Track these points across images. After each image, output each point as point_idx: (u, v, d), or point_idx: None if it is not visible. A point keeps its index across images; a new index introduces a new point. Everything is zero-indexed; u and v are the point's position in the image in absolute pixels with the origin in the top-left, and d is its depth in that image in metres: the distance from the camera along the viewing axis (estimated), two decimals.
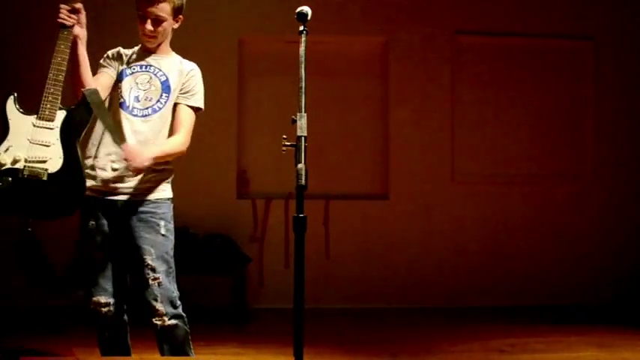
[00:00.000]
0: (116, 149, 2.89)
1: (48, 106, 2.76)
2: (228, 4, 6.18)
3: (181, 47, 6.42)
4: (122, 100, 2.97)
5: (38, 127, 2.76)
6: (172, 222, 3.09)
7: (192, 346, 3.09)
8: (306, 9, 2.74)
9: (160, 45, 3.07)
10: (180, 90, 3.05)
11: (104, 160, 2.95)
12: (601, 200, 6.49)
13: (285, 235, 6.02)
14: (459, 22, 6.41)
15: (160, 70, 3.04)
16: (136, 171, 2.86)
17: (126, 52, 3.08)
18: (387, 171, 6.31)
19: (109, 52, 3.07)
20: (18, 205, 2.76)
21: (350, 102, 6.33)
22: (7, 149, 2.73)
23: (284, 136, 2.75)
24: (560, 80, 6.57)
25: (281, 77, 5.98)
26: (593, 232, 6.44)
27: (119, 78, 2.99)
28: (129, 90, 2.98)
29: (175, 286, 3.03)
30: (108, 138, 2.92)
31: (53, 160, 2.76)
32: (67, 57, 2.80)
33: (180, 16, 3.07)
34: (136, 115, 2.97)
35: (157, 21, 2.97)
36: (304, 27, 2.71)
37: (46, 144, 2.76)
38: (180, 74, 3.06)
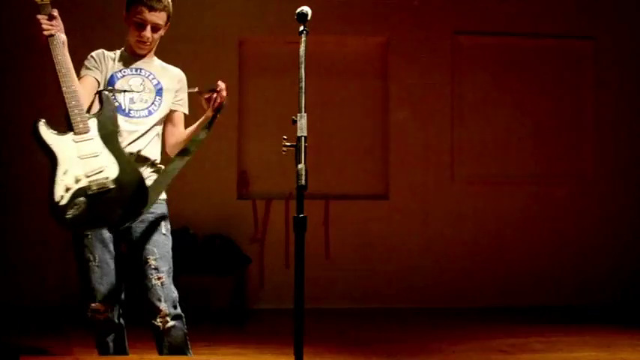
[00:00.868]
0: None
1: (78, 119, 2.76)
2: (228, 5, 6.17)
3: (181, 48, 6.44)
4: (118, 103, 2.96)
5: (79, 142, 2.76)
6: (169, 222, 3.07)
7: (190, 346, 3.08)
8: (306, 9, 2.75)
9: (150, 51, 3.09)
10: (175, 97, 3.09)
11: None
12: (601, 201, 6.49)
13: (285, 235, 6.02)
14: (458, 22, 6.41)
15: (151, 74, 3.06)
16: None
17: (111, 55, 3.05)
18: (387, 171, 6.31)
19: (94, 55, 3.03)
20: (100, 220, 2.81)
21: (350, 102, 6.33)
22: (64, 172, 2.74)
23: (284, 137, 2.75)
24: (561, 81, 6.57)
25: (281, 77, 5.98)
26: (593, 232, 6.44)
27: (110, 82, 2.98)
28: (123, 93, 2.98)
29: (174, 287, 3.02)
30: None
31: (109, 167, 2.77)
32: (69, 64, 2.81)
33: (169, 23, 3.09)
34: (132, 117, 2.98)
35: (155, 28, 2.99)
36: (304, 27, 2.71)
37: (95, 155, 2.77)
38: (171, 79, 3.10)
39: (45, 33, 2.75)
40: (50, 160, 2.76)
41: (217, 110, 2.97)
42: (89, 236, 2.94)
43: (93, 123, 2.81)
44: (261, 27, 6.14)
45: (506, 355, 4.51)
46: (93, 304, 2.94)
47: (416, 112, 6.34)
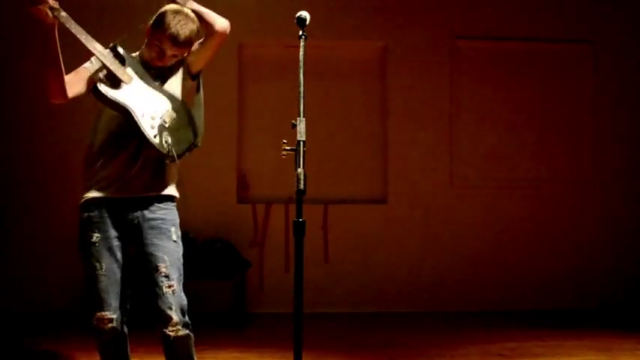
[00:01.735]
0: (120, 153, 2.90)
1: (120, 71, 2.90)
2: (227, 9, 6.09)
3: None
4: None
5: (133, 88, 2.92)
6: (179, 228, 3.03)
7: (194, 352, 3.06)
8: (305, 14, 2.76)
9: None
10: (189, 60, 3.06)
11: (110, 162, 2.94)
12: (600, 204, 6.49)
13: (285, 239, 6.02)
14: (457, 26, 6.42)
15: (159, 83, 3.01)
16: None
17: (124, 54, 3.02)
18: (386, 175, 6.32)
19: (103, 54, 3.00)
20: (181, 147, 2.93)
21: (349, 106, 6.34)
22: (143, 116, 2.86)
23: (284, 141, 2.75)
24: (559, 84, 6.58)
25: (281, 81, 6.00)
26: (593, 235, 6.44)
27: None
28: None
29: (184, 294, 2.99)
30: (112, 140, 2.93)
31: (162, 101, 2.94)
32: (82, 31, 2.86)
33: (200, 36, 3.09)
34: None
35: (175, 57, 2.97)
36: (303, 31, 2.72)
37: (148, 95, 2.94)
38: (178, 72, 3.05)
39: (49, 9, 2.71)
40: (123, 112, 2.85)
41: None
42: (97, 244, 2.94)
43: (130, 71, 2.89)
44: (261, 31, 6.14)
45: (506, 359, 4.51)
46: (98, 313, 2.91)
47: (415, 116, 6.35)
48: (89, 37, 2.84)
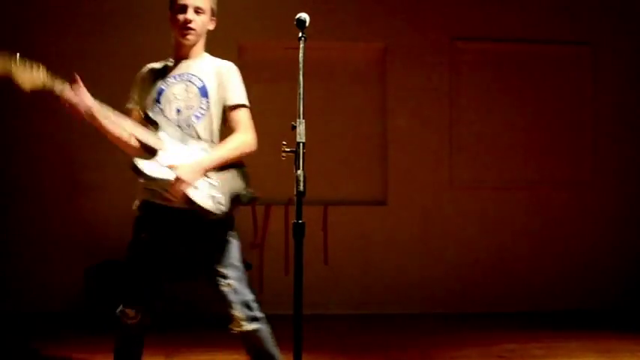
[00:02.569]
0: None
1: (152, 141, 2.88)
2: (227, 10, 6.11)
3: None
4: (165, 118, 2.94)
5: (169, 154, 2.91)
6: (234, 225, 3.04)
7: (275, 344, 3.05)
8: (305, 16, 2.75)
9: (194, 47, 3.04)
10: (220, 92, 3.02)
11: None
12: (599, 205, 6.49)
13: (284, 241, 6.02)
14: (456, 28, 6.42)
15: (195, 75, 3.00)
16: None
17: (155, 67, 3.06)
18: (386, 177, 6.31)
19: (134, 82, 3.06)
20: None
21: (348, 108, 6.33)
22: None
23: (283, 142, 2.75)
24: (558, 86, 6.58)
25: (280, 83, 5.99)
26: (592, 237, 6.44)
27: (157, 97, 2.96)
28: (169, 105, 2.95)
29: (249, 289, 2.99)
30: (169, 143, 2.90)
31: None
32: (111, 116, 2.84)
33: (214, 18, 3.07)
34: (181, 127, 2.93)
35: (198, 12, 2.96)
36: (303, 33, 2.72)
37: (184, 156, 2.93)
38: (217, 76, 3.03)
39: (81, 110, 2.76)
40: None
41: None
42: (144, 244, 2.93)
43: (163, 135, 2.87)
44: (260, 32, 6.14)
45: None
46: (124, 307, 2.93)
47: (414, 117, 6.35)
48: (118, 116, 2.84)
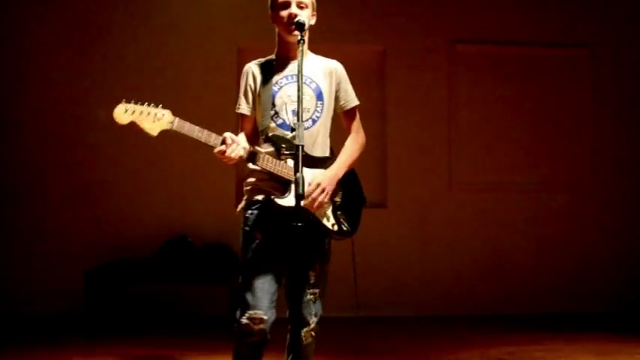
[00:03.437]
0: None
1: (285, 171, 2.83)
2: (227, 13, 6.20)
3: (182, 54, 6.46)
4: (281, 120, 2.86)
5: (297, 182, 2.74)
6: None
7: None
8: (304, 18, 2.75)
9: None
10: (336, 96, 3.00)
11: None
12: (598, 207, 6.50)
13: None
14: (455, 31, 6.43)
15: (307, 77, 2.92)
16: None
17: (261, 66, 2.97)
18: (385, 179, 6.32)
19: (245, 84, 2.95)
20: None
21: None
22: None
23: (282, 145, 2.75)
24: (557, 88, 6.59)
25: None
26: (591, 239, 6.44)
27: (271, 100, 2.87)
28: (284, 107, 2.87)
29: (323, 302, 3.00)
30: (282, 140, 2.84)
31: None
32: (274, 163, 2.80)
33: (315, 13, 2.96)
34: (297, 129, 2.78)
35: (301, 6, 2.87)
36: (301, 36, 2.71)
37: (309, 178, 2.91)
38: (330, 77, 2.99)
39: (233, 158, 2.71)
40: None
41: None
42: (260, 242, 2.86)
43: (290, 163, 2.80)
44: (260, 34, 6.13)
45: None
46: (251, 312, 2.79)
47: (413, 120, 6.35)
48: (268, 160, 2.79)
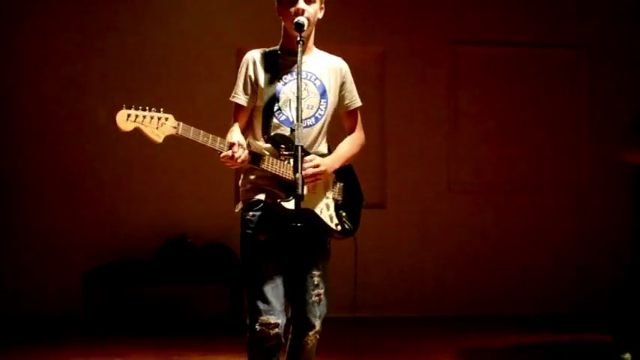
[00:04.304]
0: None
1: (292, 179, 2.72)
2: (226, 15, 6.19)
3: (181, 56, 6.46)
4: (284, 117, 2.82)
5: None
6: None
7: None
8: (303, 19, 2.75)
9: (307, 39, 2.86)
10: (341, 94, 2.98)
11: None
12: (598, 209, 6.48)
13: None
14: (455, 32, 6.43)
15: (312, 74, 2.89)
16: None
17: (264, 58, 2.89)
18: (384, 180, 6.31)
19: (244, 74, 2.90)
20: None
21: None
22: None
23: (282, 146, 2.75)
24: (556, 89, 6.58)
25: None
26: (591, 241, 6.42)
27: (276, 95, 2.81)
28: (288, 104, 2.82)
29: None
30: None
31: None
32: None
33: (323, 6, 2.89)
34: (302, 127, 2.72)
35: (309, 1, 2.79)
36: (301, 37, 2.71)
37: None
38: (335, 75, 2.95)
39: (239, 163, 2.69)
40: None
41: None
42: (265, 245, 2.80)
43: (292, 163, 2.72)
44: (259, 36, 6.12)
45: None
46: (263, 317, 2.74)
47: (413, 121, 6.35)
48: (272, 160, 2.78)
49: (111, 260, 5.67)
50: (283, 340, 2.81)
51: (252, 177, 2.87)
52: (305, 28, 2.73)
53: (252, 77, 2.87)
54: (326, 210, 2.88)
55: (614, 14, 6.58)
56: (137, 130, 2.59)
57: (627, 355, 4.19)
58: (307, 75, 2.88)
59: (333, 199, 2.91)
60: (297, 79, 2.62)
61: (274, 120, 2.81)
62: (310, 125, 2.86)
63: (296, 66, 2.70)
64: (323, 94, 2.90)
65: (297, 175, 2.49)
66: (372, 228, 6.21)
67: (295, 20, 2.73)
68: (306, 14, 2.76)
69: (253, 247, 2.81)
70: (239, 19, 6.14)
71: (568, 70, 6.60)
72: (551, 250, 6.40)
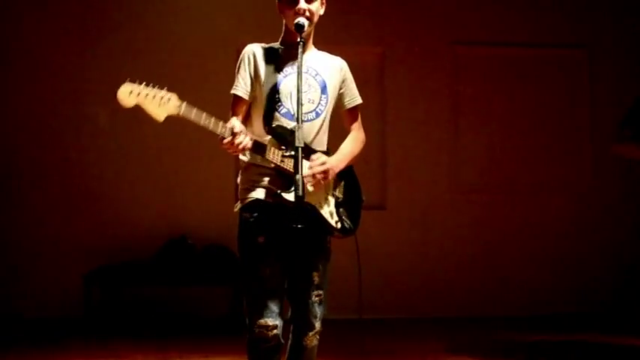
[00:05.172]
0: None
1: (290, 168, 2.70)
2: (226, 13, 6.20)
3: (181, 55, 6.46)
4: (285, 110, 2.78)
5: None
6: None
7: None
8: (303, 20, 2.74)
9: (308, 37, 2.85)
10: (340, 92, 2.97)
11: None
12: (599, 209, 6.49)
13: None
14: (455, 32, 6.43)
15: (313, 69, 2.88)
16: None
17: (265, 51, 2.87)
18: (385, 181, 6.31)
19: (244, 67, 2.88)
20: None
21: None
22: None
23: (282, 147, 2.74)
24: (557, 89, 6.59)
25: None
26: (592, 241, 6.43)
27: (277, 87, 2.79)
28: (289, 96, 2.79)
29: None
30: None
31: None
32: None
33: (324, 2, 2.87)
34: (303, 121, 2.66)
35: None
36: (301, 37, 2.71)
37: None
38: (335, 73, 2.94)
39: (240, 150, 2.63)
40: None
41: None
42: (263, 247, 2.75)
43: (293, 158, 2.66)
44: (259, 35, 6.13)
45: None
46: (261, 320, 2.73)
47: (413, 122, 6.35)
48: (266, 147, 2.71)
49: (111, 261, 5.67)
50: (282, 341, 2.79)
51: (251, 173, 2.82)
52: (305, 28, 2.72)
53: (253, 70, 2.86)
54: (326, 206, 2.85)
55: (614, 14, 6.58)
56: (138, 108, 2.52)
57: None
58: (308, 69, 2.86)
59: (334, 196, 2.89)
60: (298, 79, 2.61)
61: (275, 113, 2.79)
62: (311, 120, 2.83)
63: (297, 60, 2.67)
64: (324, 89, 2.89)
65: (297, 176, 2.47)
66: (373, 229, 6.22)
67: (296, 21, 2.72)
68: (307, 13, 2.76)
69: (251, 250, 2.77)
70: (238, 18, 6.14)
71: (568, 70, 6.61)
72: (550, 250, 6.40)
